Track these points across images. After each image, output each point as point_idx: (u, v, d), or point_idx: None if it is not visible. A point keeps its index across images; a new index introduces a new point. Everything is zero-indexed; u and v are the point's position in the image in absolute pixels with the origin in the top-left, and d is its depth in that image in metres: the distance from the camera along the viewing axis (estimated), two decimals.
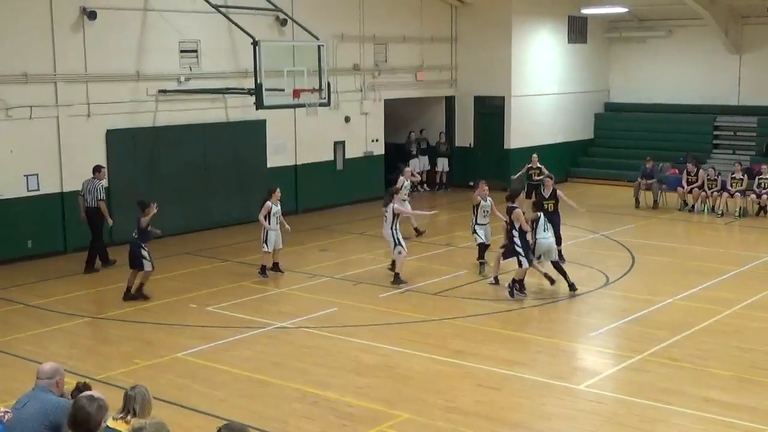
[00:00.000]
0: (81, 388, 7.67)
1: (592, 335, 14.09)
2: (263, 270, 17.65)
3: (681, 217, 24.32)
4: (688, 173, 24.99)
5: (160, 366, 12.65)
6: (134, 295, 16.05)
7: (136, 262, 16.04)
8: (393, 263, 17.43)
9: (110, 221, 18.61)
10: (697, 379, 11.93)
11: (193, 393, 11.58)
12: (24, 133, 19.02)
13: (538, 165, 23.79)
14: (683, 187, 24.96)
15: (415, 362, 12.72)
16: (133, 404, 7.32)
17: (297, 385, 11.80)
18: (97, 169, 18.74)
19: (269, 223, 17.40)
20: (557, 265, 16.48)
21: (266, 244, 17.49)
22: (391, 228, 17.15)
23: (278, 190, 17.73)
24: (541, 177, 23.27)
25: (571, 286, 16.19)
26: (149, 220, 16.02)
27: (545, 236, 16.33)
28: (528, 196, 22.60)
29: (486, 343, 13.56)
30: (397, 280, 17.04)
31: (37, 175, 19.35)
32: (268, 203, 17.40)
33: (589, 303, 16.04)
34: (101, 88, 20.17)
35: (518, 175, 24.14)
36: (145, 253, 15.97)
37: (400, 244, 17.11)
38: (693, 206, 24.73)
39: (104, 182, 18.84)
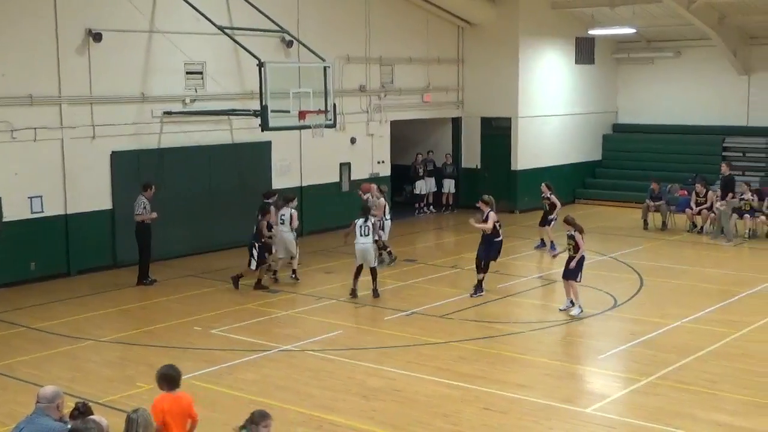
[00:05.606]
0: (81, 408, 7.59)
1: (600, 358, 13.94)
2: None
3: (690, 239, 24.13)
4: (697, 194, 24.82)
5: None
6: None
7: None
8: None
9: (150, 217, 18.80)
10: (708, 403, 11.76)
11: None
12: (28, 155, 18.98)
13: (547, 195, 22.00)
14: (692, 209, 24.78)
15: (421, 385, 12.57)
16: (136, 427, 7.24)
17: (301, 409, 11.67)
18: (146, 186, 18.93)
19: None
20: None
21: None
22: None
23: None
24: (555, 210, 21.77)
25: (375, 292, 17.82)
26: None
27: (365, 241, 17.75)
28: (541, 224, 22.35)
29: (492, 366, 13.41)
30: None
31: (41, 197, 19.30)
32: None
33: (596, 325, 15.89)
34: (106, 109, 20.14)
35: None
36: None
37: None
38: (702, 228, 24.56)
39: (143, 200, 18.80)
